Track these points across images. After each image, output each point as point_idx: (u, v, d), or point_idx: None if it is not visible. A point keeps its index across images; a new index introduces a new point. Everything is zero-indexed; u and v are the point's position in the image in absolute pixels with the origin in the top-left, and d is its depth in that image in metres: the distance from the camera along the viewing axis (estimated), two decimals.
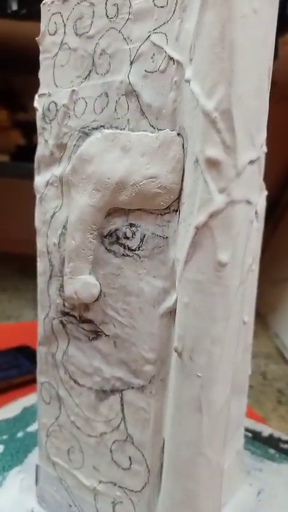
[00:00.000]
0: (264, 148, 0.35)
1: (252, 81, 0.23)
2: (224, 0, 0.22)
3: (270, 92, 0.33)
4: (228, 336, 0.26)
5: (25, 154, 0.96)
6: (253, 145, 0.24)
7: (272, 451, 0.48)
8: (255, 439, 0.50)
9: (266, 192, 0.37)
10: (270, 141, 0.36)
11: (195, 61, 0.24)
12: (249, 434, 0.50)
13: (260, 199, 0.36)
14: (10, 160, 0.99)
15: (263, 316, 0.84)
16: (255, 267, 0.37)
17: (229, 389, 0.27)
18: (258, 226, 0.36)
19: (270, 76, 0.25)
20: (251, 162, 0.24)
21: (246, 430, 0.51)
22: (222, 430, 0.27)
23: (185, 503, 0.28)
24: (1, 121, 0.99)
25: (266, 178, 0.36)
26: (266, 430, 0.51)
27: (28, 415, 0.54)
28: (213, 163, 0.23)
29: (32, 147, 0.96)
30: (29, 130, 1.00)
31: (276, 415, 0.56)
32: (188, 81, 0.24)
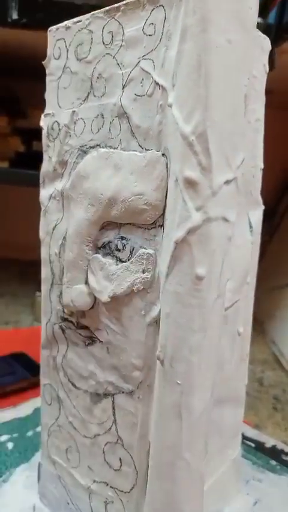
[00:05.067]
0: (261, 165, 0.36)
1: (227, 106, 0.24)
2: (200, 32, 0.24)
3: (267, 100, 0.34)
4: (208, 346, 0.27)
5: (24, 161, 0.98)
6: (229, 166, 0.25)
7: (273, 462, 0.48)
8: (257, 449, 0.50)
9: (262, 207, 0.38)
10: (266, 149, 0.37)
11: (176, 87, 0.25)
12: (252, 445, 0.51)
13: (255, 213, 0.37)
14: (9, 167, 1.01)
15: (260, 323, 0.84)
16: (251, 280, 0.38)
17: (209, 396, 0.28)
18: (254, 239, 0.37)
19: (253, 99, 0.27)
20: (227, 182, 0.25)
21: (249, 440, 0.51)
22: (202, 436, 0.29)
23: (167, 504, 0.30)
24: (1, 128, 0.99)
25: (262, 187, 0.37)
26: (269, 441, 0.51)
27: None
28: (190, 183, 0.25)
29: (31, 154, 0.97)
30: (29, 137, 1.00)
31: (271, 421, 0.56)
32: (170, 105, 0.26)
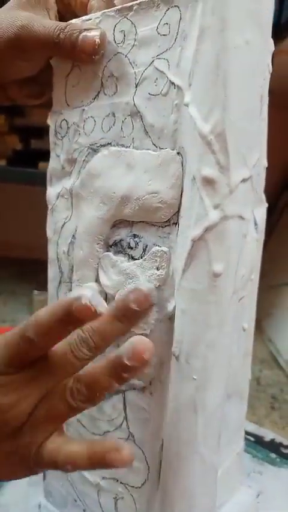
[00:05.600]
0: (265, 163, 0.37)
1: (245, 106, 0.25)
2: (218, 32, 0.24)
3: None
4: (223, 342, 0.28)
5: (22, 159, 0.98)
6: (245, 164, 0.26)
7: (273, 455, 0.49)
8: (257, 443, 0.51)
9: (266, 204, 0.38)
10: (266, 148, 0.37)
11: (194, 87, 0.26)
12: (252, 438, 0.52)
13: (260, 211, 0.37)
14: (7, 165, 1.01)
15: (257, 321, 0.86)
16: (255, 277, 0.38)
17: (223, 392, 0.29)
18: (258, 237, 0.37)
19: (265, 99, 0.27)
20: (244, 180, 0.26)
21: (249, 434, 0.52)
22: (217, 431, 0.29)
23: (181, 499, 0.30)
24: None
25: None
26: (267, 435, 0.52)
27: None
28: (208, 182, 0.25)
29: (29, 152, 0.97)
30: (26, 135, 1.01)
31: (269, 420, 0.57)
32: (187, 105, 0.26)
